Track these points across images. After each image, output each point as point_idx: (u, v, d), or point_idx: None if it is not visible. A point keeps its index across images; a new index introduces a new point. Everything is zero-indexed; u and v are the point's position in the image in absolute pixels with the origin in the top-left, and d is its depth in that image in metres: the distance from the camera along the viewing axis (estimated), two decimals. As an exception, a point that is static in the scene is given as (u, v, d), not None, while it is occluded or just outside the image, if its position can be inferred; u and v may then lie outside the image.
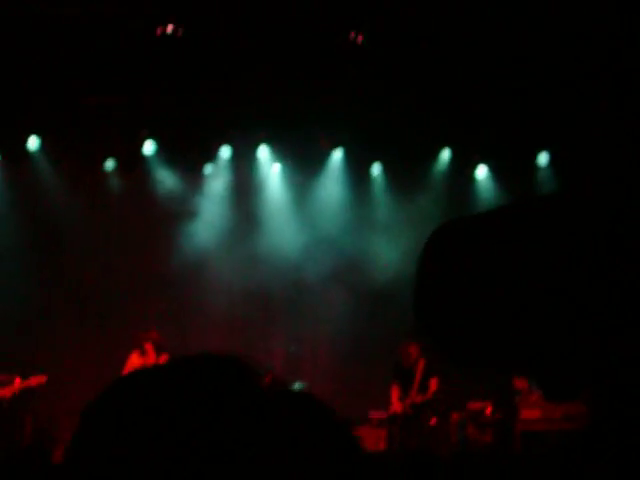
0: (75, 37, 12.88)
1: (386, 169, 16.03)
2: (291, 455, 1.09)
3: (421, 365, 13.41)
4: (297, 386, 14.59)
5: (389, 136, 15.29)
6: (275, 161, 15.92)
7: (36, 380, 12.99)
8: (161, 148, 15.49)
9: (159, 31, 12.86)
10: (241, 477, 1.06)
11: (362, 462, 1.15)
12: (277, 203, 15.94)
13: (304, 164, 15.82)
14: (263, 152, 15.81)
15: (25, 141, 14.99)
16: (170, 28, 12.84)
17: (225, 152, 15.67)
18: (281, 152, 15.77)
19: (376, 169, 16.08)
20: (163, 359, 13.02)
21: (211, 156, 15.69)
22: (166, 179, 15.58)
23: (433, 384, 13.31)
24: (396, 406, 13.36)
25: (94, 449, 1.11)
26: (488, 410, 13.55)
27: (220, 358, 1.17)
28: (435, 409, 13.31)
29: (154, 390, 1.13)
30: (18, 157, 15.09)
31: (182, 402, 1.10)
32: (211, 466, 1.06)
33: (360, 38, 13.13)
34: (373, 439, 13.87)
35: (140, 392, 1.14)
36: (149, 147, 15.42)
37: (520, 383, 13.76)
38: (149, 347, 13.02)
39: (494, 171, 16.06)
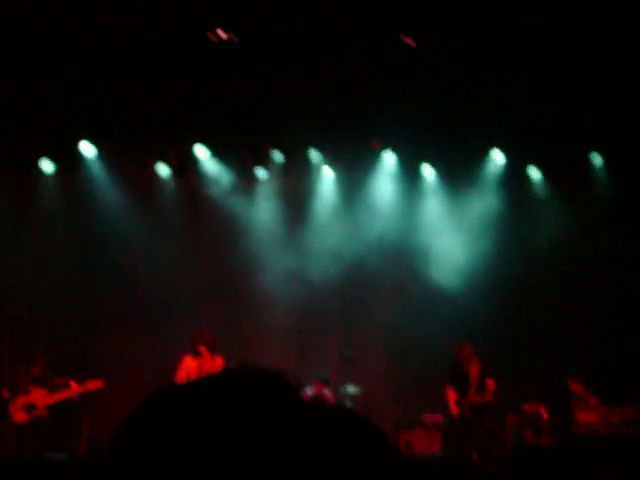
0: (128, 45, 13.00)
1: (438, 171, 15.95)
2: (328, 473, 1.08)
3: (477, 367, 13.30)
4: (350, 390, 14.59)
5: (440, 137, 15.24)
6: (326, 164, 15.92)
7: (93, 384, 13.10)
8: (213, 153, 15.56)
9: (212, 37, 12.93)
10: None
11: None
12: (329, 205, 15.95)
13: (355, 167, 15.81)
14: (314, 156, 15.81)
15: (77, 148, 15.14)
16: (221, 34, 12.92)
17: (276, 156, 15.69)
18: (332, 155, 15.77)
19: (427, 170, 16.00)
20: (218, 361, 13.07)
21: (262, 160, 15.72)
22: (218, 184, 15.65)
23: (491, 385, 13.18)
24: (453, 409, 13.27)
25: (128, 466, 1.11)
26: (544, 413, 13.43)
27: (260, 374, 1.16)
28: (491, 412, 13.20)
29: (191, 407, 1.12)
30: (71, 164, 15.25)
31: (219, 419, 1.09)
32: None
33: (410, 40, 13.10)
34: (427, 442, 13.82)
35: (176, 409, 1.13)
36: (201, 152, 15.50)
37: (576, 386, 13.63)
38: (203, 349, 13.08)
39: (546, 172, 15.92)
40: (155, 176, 15.67)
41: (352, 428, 1.14)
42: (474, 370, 13.29)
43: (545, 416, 13.38)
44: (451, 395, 13.35)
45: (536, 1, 12.24)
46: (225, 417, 1.09)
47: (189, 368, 13.15)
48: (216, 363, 13.07)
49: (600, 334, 15.11)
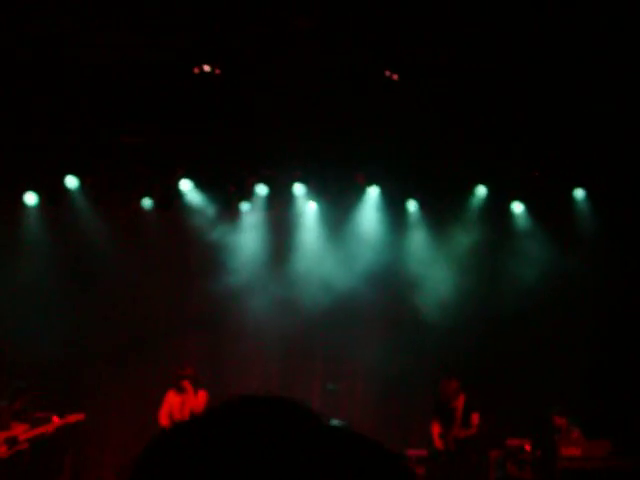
0: (112, 78, 13.06)
1: (422, 206, 15.99)
2: None
3: (462, 400, 13.32)
4: (334, 423, 14.53)
5: (424, 173, 15.31)
6: (311, 199, 15.94)
7: (74, 417, 13.03)
8: (197, 186, 15.57)
9: (196, 70, 13.00)
10: None
11: None
12: (313, 239, 15.96)
13: (340, 202, 15.83)
14: (299, 190, 15.84)
15: (62, 181, 15.12)
16: (207, 67, 12.98)
17: (261, 190, 15.71)
18: (316, 190, 15.80)
19: (412, 206, 16.04)
20: (201, 395, 13.04)
21: (247, 194, 15.73)
22: (202, 217, 15.64)
23: (475, 419, 13.22)
24: (437, 443, 13.26)
25: None
26: (527, 447, 13.43)
27: (281, 402, 1.16)
28: (475, 446, 13.21)
29: (213, 439, 1.11)
30: (55, 197, 15.22)
31: (243, 450, 1.09)
32: None
33: (395, 76, 13.19)
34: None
35: (196, 443, 1.11)
36: (185, 185, 15.51)
37: (559, 420, 13.64)
38: (186, 384, 13.05)
39: (530, 207, 15.99)
40: (140, 209, 15.66)
41: (379, 457, 1.16)
42: (459, 404, 13.30)
43: (528, 450, 13.38)
44: (435, 429, 13.35)
45: (519, 35, 12.35)
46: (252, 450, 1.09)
47: (172, 404, 13.12)
48: (199, 398, 13.03)
49: (584, 367, 15.13)
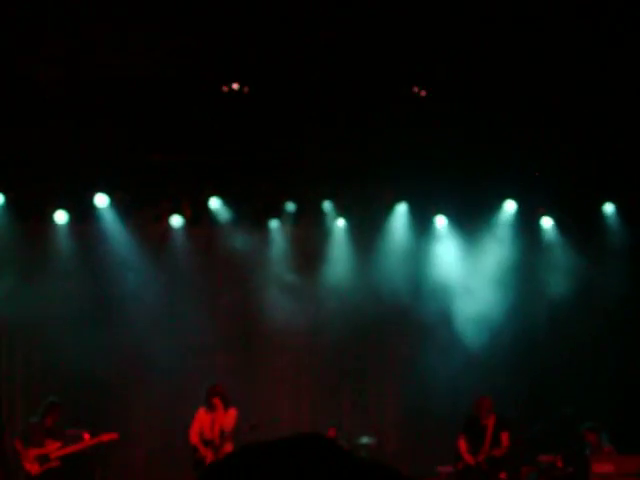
0: (141, 96, 13.14)
1: (451, 221, 15.95)
2: None
3: (493, 419, 13.28)
4: (365, 440, 14.50)
5: (453, 189, 15.27)
6: (339, 216, 15.94)
7: (108, 437, 13.07)
8: (226, 204, 15.61)
9: (224, 89, 13.06)
10: None
11: None
12: (342, 255, 15.96)
13: (368, 218, 15.82)
14: (327, 206, 15.84)
15: (91, 199, 15.18)
16: (235, 86, 13.05)
17: (290, 207, 15.73)
18: (345, 207, 15.80)
19: (441, 221, 16.00)
20: (231, 413, 13.04)
21: (276, 211, 15.75)
22: (231, 234, 15.66)
23: (505, 438, 13.18)
24: (468, 459, 13.19)
25: None
26: (559, 463, 13.34)
27: (313, 438, 1.28)
28: (507, 463, 13.16)
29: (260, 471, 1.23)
30: (85, 215, 15.29)
31: None
32: None
33: (423, 92, 13.21)
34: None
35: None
36: (214, 203, 15.56)
37: (591, 437, 13.54)
38: (217, 402, 13.05)
39: (559, 223, 15.91)
40: (168, 227, 15.71)
41: None
42: (490, 422, 13.25)
43: (560, 466, 13.29)
44: (462, 445, 13.29)
45: (548, 52, 12.34)
46: None
47: (202, 421, 13.12)
48: (229, 416, 13.04)
49: (616, 381, 15.03)
